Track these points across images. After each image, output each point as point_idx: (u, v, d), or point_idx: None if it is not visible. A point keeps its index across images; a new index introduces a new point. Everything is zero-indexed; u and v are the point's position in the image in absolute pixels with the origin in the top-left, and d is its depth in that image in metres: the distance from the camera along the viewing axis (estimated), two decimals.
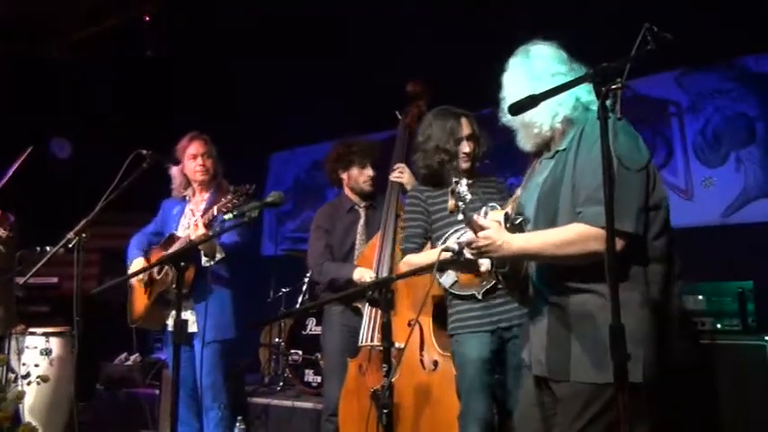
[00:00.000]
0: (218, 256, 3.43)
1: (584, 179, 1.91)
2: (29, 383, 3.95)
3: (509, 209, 2.22)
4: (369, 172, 3.59)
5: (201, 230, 3.25)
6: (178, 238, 3.50)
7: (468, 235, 2.05)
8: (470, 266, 2.67)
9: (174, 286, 3.34)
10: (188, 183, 3.72)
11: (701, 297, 3.27)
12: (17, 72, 5.61)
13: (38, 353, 4.49)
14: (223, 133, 3.95)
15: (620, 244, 1.83)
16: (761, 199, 4.58)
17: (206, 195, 3.68)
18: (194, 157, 3.65)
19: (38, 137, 6.35)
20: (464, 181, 2.17)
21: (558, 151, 2.06)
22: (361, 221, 3.61)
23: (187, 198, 3.73)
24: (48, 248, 3.48)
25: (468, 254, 2.11)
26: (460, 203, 2.14)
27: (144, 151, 3.37)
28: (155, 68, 5.84)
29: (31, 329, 4.57)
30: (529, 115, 2.01)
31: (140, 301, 3.67)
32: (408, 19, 4.95)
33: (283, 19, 5.21)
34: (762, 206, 4.56)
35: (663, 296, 1.91)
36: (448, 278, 2.88)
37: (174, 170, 3.71)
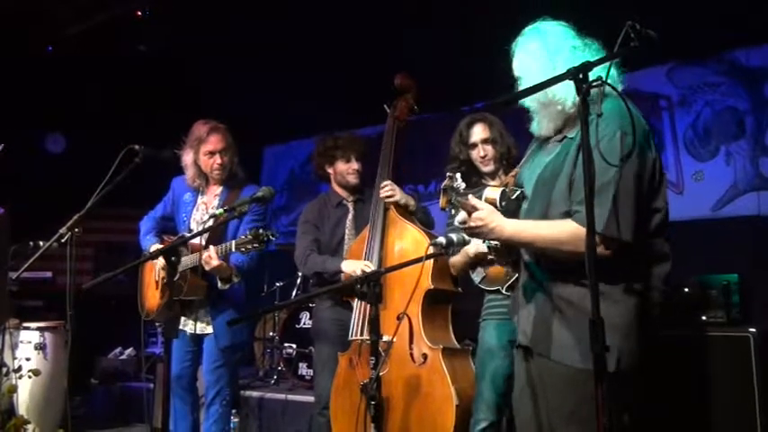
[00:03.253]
0: (235, 280, 3.37)
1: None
2: (20, 377, 3.97)
3: (506, 186, 2.22)
4: (354, 165, 3.59)
5: (216, 263, 3.20)
6: (190, 239, 3.28)
7: (462, 215, 2.06)
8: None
9: (184, 293, 3.34)
10: (201, 173, 3.57)
11: (686, 289, 3.31)
12: (9, 67, 5.60)
13: (32, 347, 4.52)
14: None
15: (611, 249, 1.86)
16: (750, 193, 4.62)
17: (219, 189, 3.58)
18: (212, 153, 3.49)
19: (31, 132, 6.40)
20: (458, 176, 2.14)
21: (566, 137, 2.05)
22: (350, 216, 3.61)
23: (200, 189, 3.62)
24: (41, 243, 3.48)
25: (461, 235, 2.11)
26: (453, 196, 2.10)
27: (136, 146, 3.33)
28: (148, 62, 5.85)
29: (25, 324, 4.61)
30: (551, 92, 1.99)
31: (152, 296, 3.64)
32: (404, 12, 4.96)
33: (278, 12, 5.21)
34: (751, 200, 4.60)
35: (646, 291, 1.93)
36: (477, 275, 2.95)
37: (187, 160, 3.55)
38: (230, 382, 3.51)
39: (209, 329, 3.44)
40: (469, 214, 2.02)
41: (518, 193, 2.11)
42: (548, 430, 1.99)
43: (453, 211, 2.11)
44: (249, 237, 2.99)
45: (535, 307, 2.05)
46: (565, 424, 1.94)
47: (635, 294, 1.92)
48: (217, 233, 3.38)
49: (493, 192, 2.12)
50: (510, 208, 2.08)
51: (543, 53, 2.06)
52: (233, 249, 3.11)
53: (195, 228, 3.51)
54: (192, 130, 3.57)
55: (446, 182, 2.13)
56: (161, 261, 3.41)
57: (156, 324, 4.71)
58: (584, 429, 1.87)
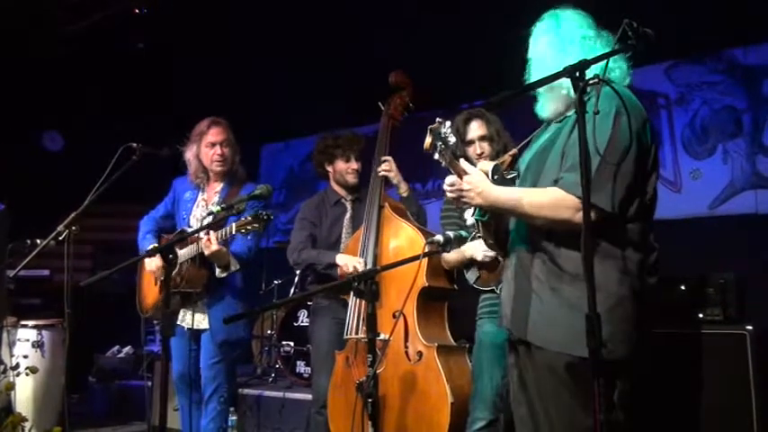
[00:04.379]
0: (233, 268, 3.38)
1: (575, 148, 1.86)
2: (17, 375, 3.97)
3: (501, 162, 2.23)
4: (353, 164, 3.60)
5: (215, 247, 3.21)
6: (189, 236, 3.34)
7: (452, 177, 2.08)
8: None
9: (183, 285, 3.35)
10: (203, 168, 3.60)
11: (683, 287, 3.30)
12: (9, 66, 5.60)
13: (29, 345, 4.52)
14: None
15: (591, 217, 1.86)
16: (747, 191, 4.63)
17: (220, 186, 3.59)
18: (212, 145, 3.53)
19: (30, 130, 6.40)
20: (448, 123, 2.16)
21: (566, 116, 2.07)
22: (348, 215, 3.62)
23: (201, 186, 3.64)
24: (39, 241, 3.48)
25: (449, 194, 2.12)
26: (439, 143, 2.12)
27: (134, 144, 3.35)
28: (147, 60, 5.85)
29: (23, 322, 4.61)
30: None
31: (151, 292, 3.65)
32: (404, 12, 4.96)
33: (277, 11, 5.22)
34: (748, 198, 4.61)
35: (630, 278, 1.91)
36: (472, 274, 2.96)
37: (189, 155, 3.58)
38: (228, 378, 3.50)
39: (206, 323, 3.44)
40: (460, 177, 2.06)
41: (513, 174, 2.13)
42: (536, 417, 2.00)
43: (437, 156, 2.14)
44: (249, 218, 3.02)
45: (513, 283, 2.07)
46: (549, 411, 1.94)
47: (616, 280, 1.89)
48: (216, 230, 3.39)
49: (485, 165, 2.14)
50: (503, 186, 2.09)
51: (556, 43, 2.09)
52: (233, 232, 3.13)
53: (195, 225, 3.52)
54: (196, 127, 3.61)
55: (434, 125, 2.15)
56: (157, 260, 3.42)
57: (155, 322, 4.73)
58: (569, 417, 1.88)
